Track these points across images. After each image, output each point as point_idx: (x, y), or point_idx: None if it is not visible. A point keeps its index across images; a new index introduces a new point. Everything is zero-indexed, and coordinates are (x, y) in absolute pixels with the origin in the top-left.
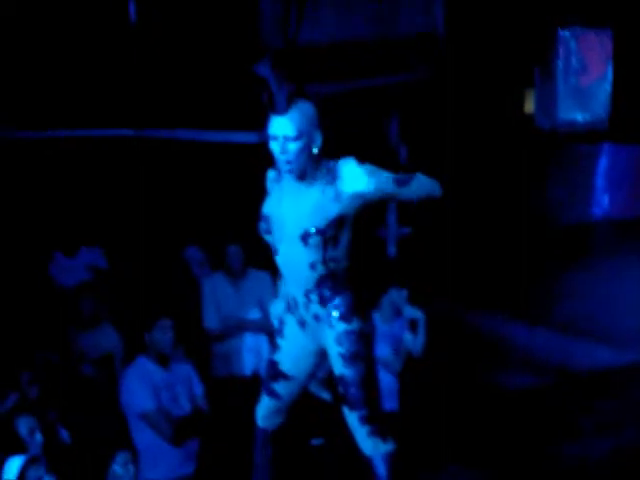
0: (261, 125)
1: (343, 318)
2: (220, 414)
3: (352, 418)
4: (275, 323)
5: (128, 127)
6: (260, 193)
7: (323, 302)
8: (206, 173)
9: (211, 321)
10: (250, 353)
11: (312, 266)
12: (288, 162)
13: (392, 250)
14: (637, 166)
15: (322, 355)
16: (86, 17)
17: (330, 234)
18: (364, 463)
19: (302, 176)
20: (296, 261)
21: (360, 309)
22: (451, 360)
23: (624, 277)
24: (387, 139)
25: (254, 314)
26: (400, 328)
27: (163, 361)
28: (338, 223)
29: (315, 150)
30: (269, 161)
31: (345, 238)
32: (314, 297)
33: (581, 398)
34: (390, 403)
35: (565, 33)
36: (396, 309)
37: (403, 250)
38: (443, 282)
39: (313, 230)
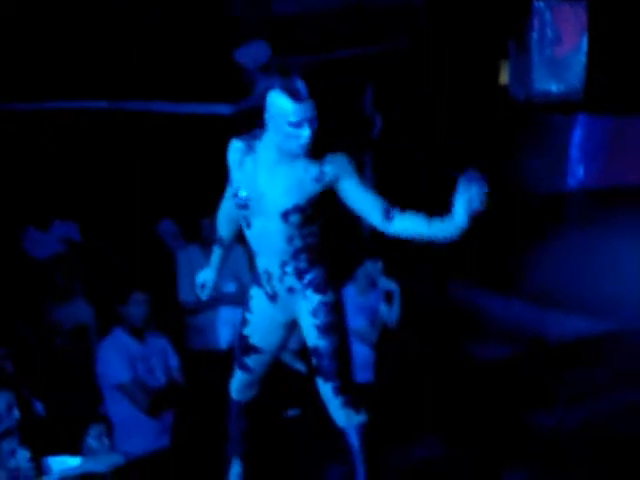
0: (234, 97)
1: (318, 290)
2: (195, 387)
3: (326, 389)
4: (199, 291)
5: (101, 99)
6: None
7: (299, 274)
8: (180, 145)
9: (186, 293)
10: (225, 326)
11: (289, 239)
12: (311, 142)
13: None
14: (611, 137)
15: (291, 327)
16: None
17: (309, 212)
18: (339, 434)
19: (298, 155)
20: (273, 235)
21: (333, 281)
22: (427, 331)
23: (599, 247)
24: (362, 109)
25: (229, 287)
26: (375, 300)
27: (138, 333)
28: (316, 200)
29: None
30: (242, 133)
31: (322, 213)
32: (290, 269)
33: (555, 368)
34: (366, 374)
35: (540, 4)
36: (371, 281)
37: None
38: (419, 254)
39: (294, 207)
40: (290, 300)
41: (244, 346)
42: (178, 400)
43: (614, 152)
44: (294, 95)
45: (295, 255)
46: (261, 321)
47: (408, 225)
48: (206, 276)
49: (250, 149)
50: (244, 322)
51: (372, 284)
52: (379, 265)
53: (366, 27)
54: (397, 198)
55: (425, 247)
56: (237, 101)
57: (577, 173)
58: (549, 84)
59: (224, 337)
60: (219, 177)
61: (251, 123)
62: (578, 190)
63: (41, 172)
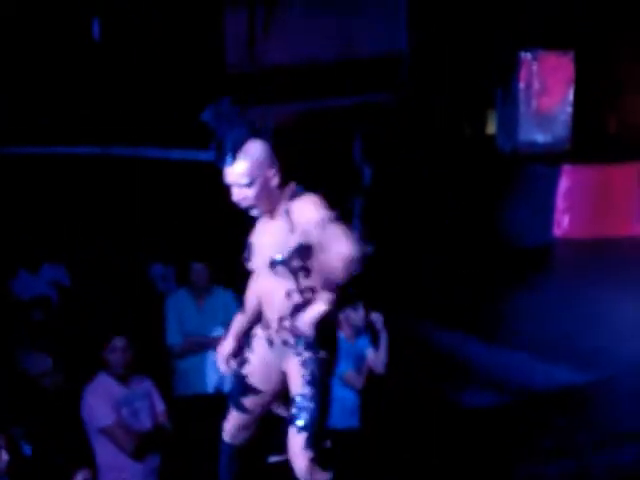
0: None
1: (310, 347)
2: (182, 431)
3: (296, 441)
4: (222, 366)
5: (95, 144)
6: (223, 210)
7: (294, 331)
8: (173, 190)
9: (174, 338)
10: (212, 370)
11: (287, 294)
12: (251, 207)
13: None
14: (597, 187)
15: (284, 374)
16: (50, 35)
17: (296, 264)
18: None
19: (271, 212)
20: (272, 288)
21: (327, 339)
22: (412, 377)
23: (584, 297)
24: (351, 159)
25: (218, 331)
26: (362, 346)
27: (122, 377)
28: (303, 253)
29: (273, 185)
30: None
31: (319, 266)
32: (287, 324)
33: (540, 418)
34: (351, 420)
35: (527, 55)
36: (356, 327)
37: (366, 268)
38: (405, 300)
39: (277, 259)
40: (283, 351)
41: (242, 386)
42: (164, 444)
43: (600, 202)
44: (218, 161)
45: (293, 312)
46: (260, 361)
47: None
48: (225, 348)
49: None
50: (244, 361)
51: (357, 331)
52: (361, 312)
53: (354, 77)
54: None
55: (412, 295)
56: None
57: (563, 223)
58: (535, 135)
59: (211, 381)
60: (209, 222)
61: None
62: (563, 240)
63: (32, 215)
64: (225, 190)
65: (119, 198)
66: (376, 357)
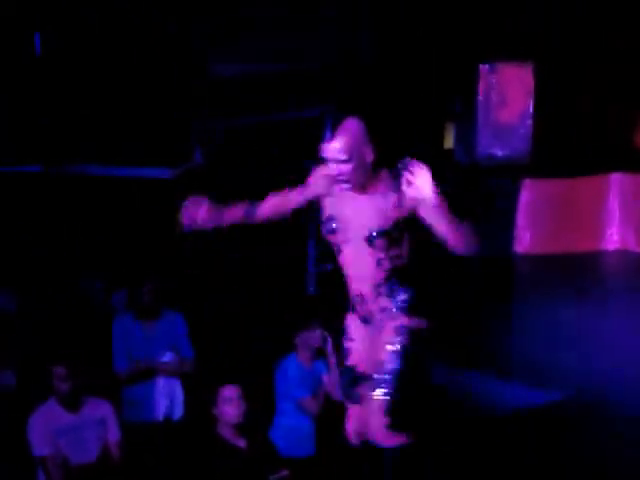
0: (172, 160)
1: (406, 312)
2: (130, 460)
3: (376, 406)
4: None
5: (36, 163)
6: (170, 230)
7: (391, 294)
8: (119, 210)
9: (121, 364)
10: (162, 397)
11: (378, 263)
12: (346, 182)
13: (312, 288)
14: (558, 201)
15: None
16: None
17: (394, 236)
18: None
19: (363, 187)
20: (363, 259)
21: (420, 308)
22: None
23: (546, 314)
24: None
25: (166, 357)
26: (319, 370)
27: (70, 404)
28: (399, 225)
29: (369, 162)
30: (180, 197)
31: (406, 237)
32: (383, 290)
33: (502, 439)
34: (307, 448)
35: (485, 67)
36: (313, 350)
37: (323, 287)
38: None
39: (378, 233)
40: (382, 319)
41: (352, 377)
42: (108, 475)
43: (562, 217)
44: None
45: (387, 277)
46: (361, 345)
47: None
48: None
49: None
50: (346, 353)
51: (315, 353)
52: (317, 334)
53: (310, 86)
54: None
55: None
56: (176, 164)
57: (524, 238)
58: (494, 148)
59: (160, 408)
60: (159, 241)
61: (190, 186)
62: (525, 255)
63: None
64: (174, 209)
65: (62, 218)
66: (329, 381)
